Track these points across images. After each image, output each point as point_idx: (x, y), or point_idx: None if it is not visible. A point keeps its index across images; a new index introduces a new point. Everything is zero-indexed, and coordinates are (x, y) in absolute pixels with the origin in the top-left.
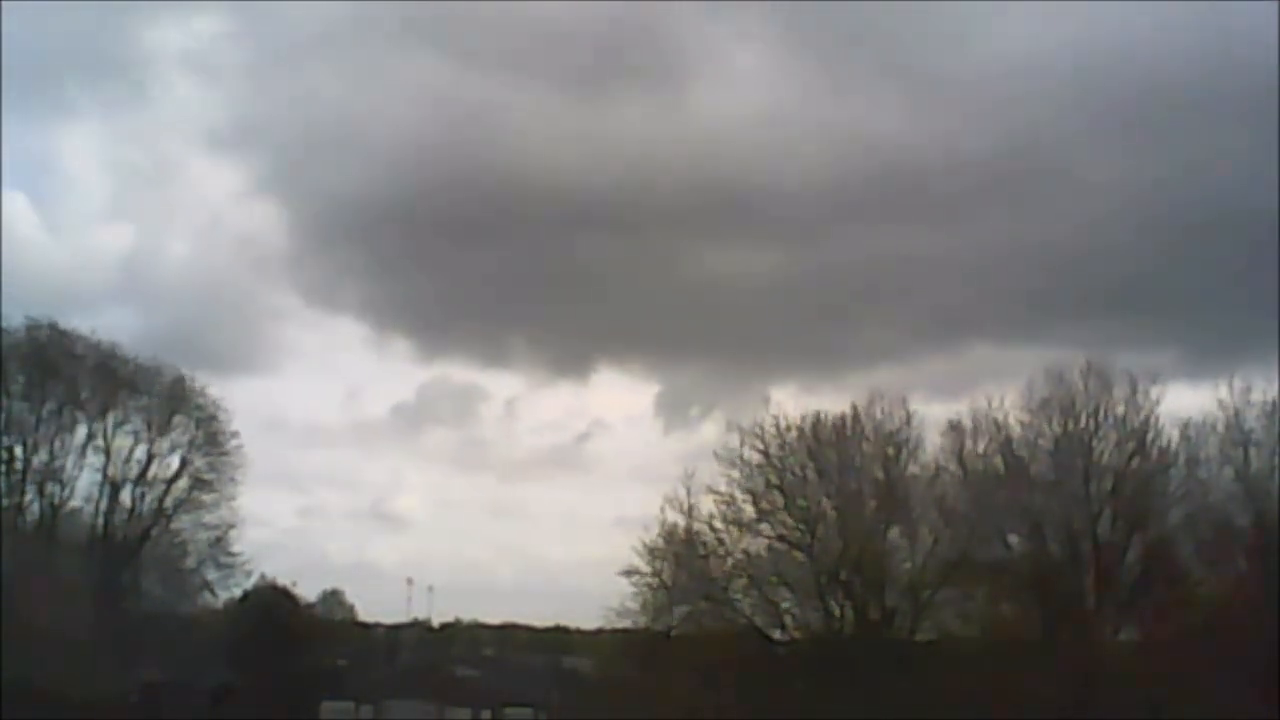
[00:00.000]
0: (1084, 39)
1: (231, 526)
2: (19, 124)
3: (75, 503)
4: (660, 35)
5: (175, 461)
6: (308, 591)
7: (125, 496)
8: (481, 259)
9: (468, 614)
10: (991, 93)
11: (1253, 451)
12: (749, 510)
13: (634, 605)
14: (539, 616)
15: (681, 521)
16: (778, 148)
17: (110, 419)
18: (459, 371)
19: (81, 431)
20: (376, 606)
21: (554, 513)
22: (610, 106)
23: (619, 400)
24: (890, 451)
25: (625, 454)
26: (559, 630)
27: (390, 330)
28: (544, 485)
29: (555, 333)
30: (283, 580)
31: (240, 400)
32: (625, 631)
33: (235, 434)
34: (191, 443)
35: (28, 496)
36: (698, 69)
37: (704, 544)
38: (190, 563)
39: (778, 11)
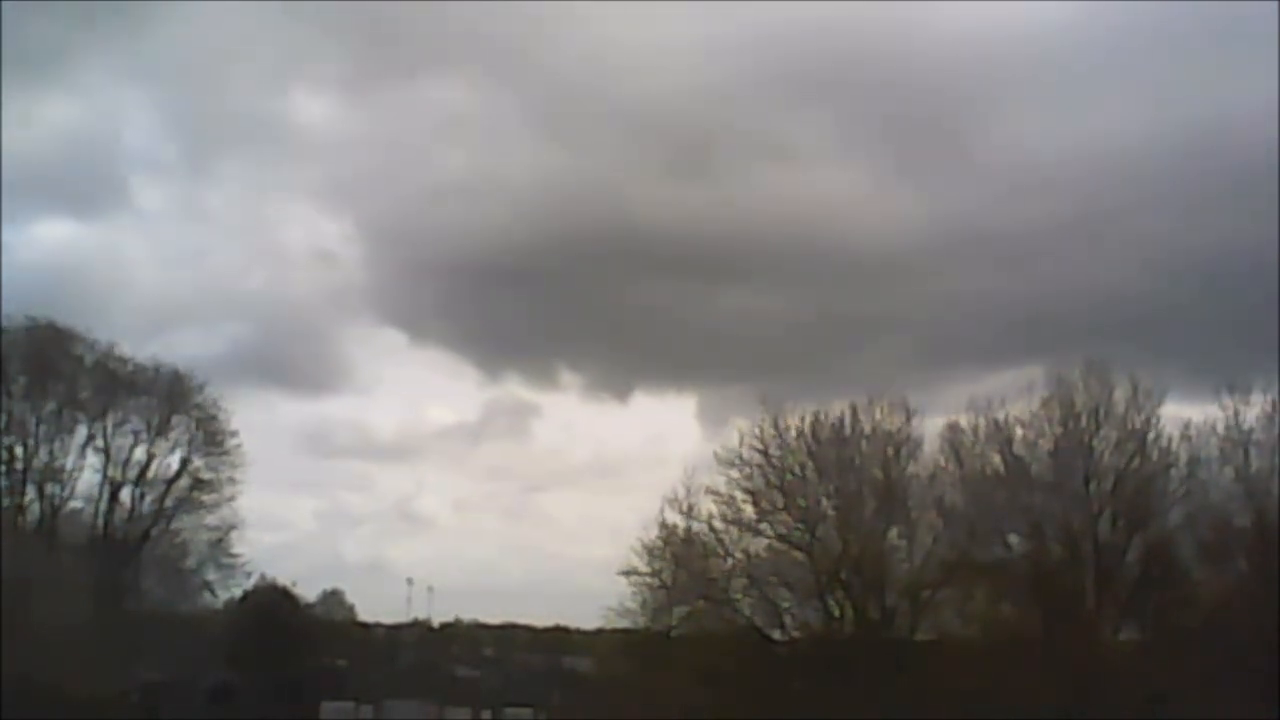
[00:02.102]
0: (1094, 129)
1: (232, 527)
2: (155, 172)
3: (75, 503)
4: (740, 124)
5: (175, 461)
6: (308, 591)
7: (125, 496)
8: (547, 298)
9: (468, 614)
10: (1019, 171)
11: (1253, 451)
12: (749, 510)
13: (634, 605)
14: (539, 616)
15: (681, 522)
16: (827, 212)
17: (110, 419)
18: (515, 392)
19: (81, 431)
20: (377, 606)
21: (579, 519)
22: (683, 180)
23: (656, 421)
24: (890, 451)
25: (659, 469)
26: (559, 630)
27: (464, 357)
28: (577, 494)
29: (603, 360)
30: (283, 580)
31: (331, 416)
32: (625, 631)
33: (235, 433)
34: (191, 443)
35: (28, 496)
36: (768, 151)
37: (704, 544)
38: (190, 563)
39: (842, 104)
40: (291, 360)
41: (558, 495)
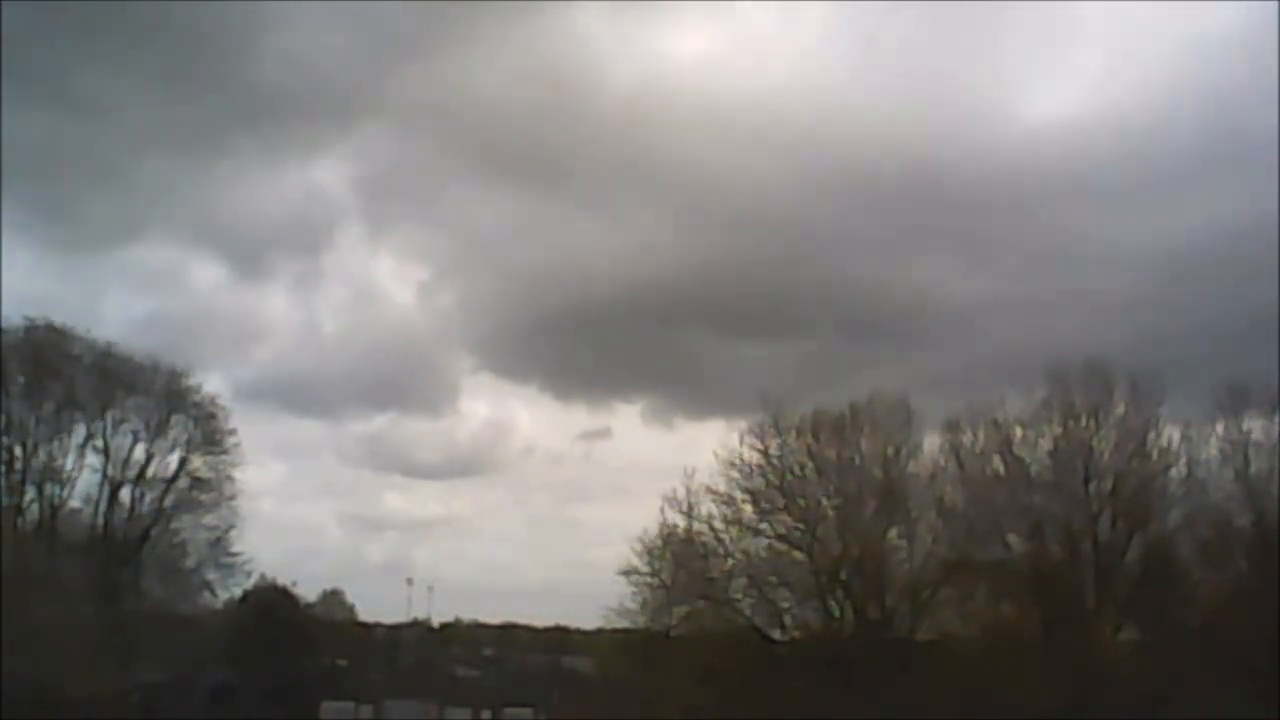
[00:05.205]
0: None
1: (231, 526)
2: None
3: (75, 503)
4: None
5: (174, 461)
6: (308, 592)
7: (124, 496)
8: (607, 343)
9: (468, 614)
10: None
11: (1252, 452)
12: (749, 510)
13: (633, 605)
14: (539, 617)
15: (681, 522)
16: (868, 286)
17: (109, 419)
18: (581, 419)
19: (80, 431)
20: (377, 606)
21: (610, 525)
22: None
23: (697, 442)
24: (890, 451)
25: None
26: (559, 630)
27: (542, 389)
28: (613, 504)
29: (653, 393)
30: (283, 580)
31: (421, 432)
32: (625, 631)
33: (233, 432)
34: (190, 442)
35: (28, 496)
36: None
37: (703, 544)
38: (190, 563)
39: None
40: (411, 387)
41: (595, 507)
